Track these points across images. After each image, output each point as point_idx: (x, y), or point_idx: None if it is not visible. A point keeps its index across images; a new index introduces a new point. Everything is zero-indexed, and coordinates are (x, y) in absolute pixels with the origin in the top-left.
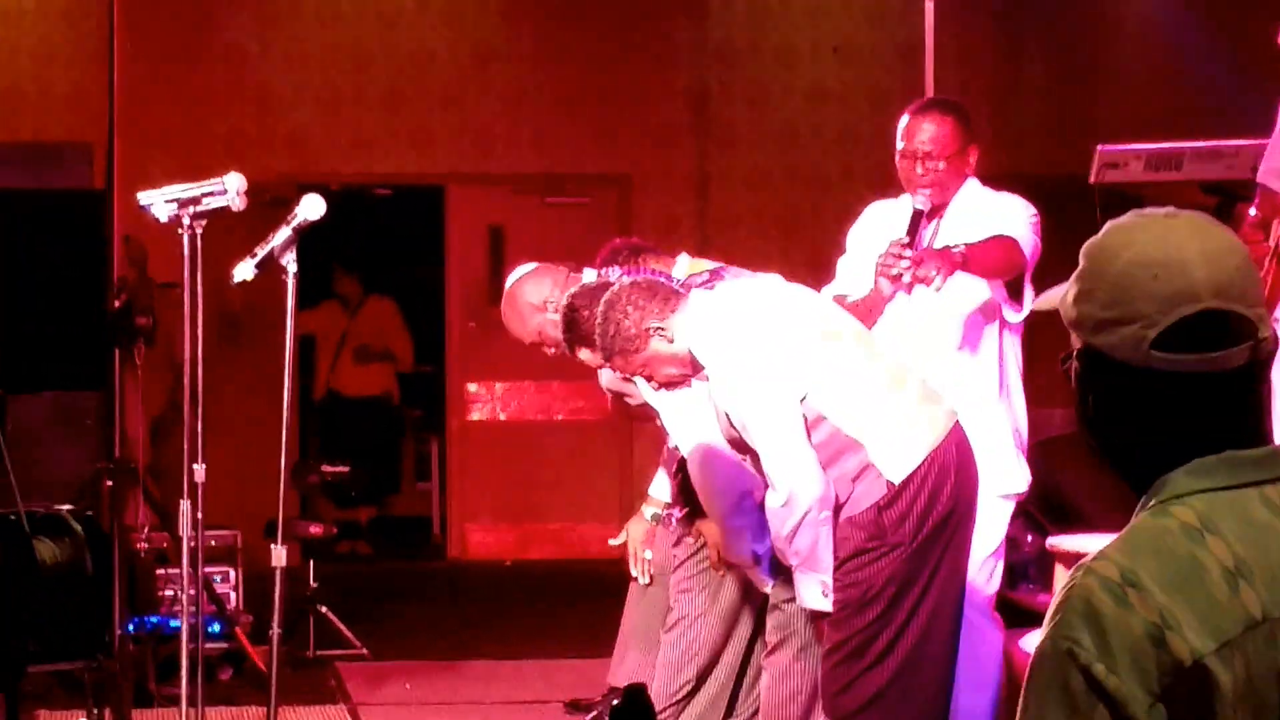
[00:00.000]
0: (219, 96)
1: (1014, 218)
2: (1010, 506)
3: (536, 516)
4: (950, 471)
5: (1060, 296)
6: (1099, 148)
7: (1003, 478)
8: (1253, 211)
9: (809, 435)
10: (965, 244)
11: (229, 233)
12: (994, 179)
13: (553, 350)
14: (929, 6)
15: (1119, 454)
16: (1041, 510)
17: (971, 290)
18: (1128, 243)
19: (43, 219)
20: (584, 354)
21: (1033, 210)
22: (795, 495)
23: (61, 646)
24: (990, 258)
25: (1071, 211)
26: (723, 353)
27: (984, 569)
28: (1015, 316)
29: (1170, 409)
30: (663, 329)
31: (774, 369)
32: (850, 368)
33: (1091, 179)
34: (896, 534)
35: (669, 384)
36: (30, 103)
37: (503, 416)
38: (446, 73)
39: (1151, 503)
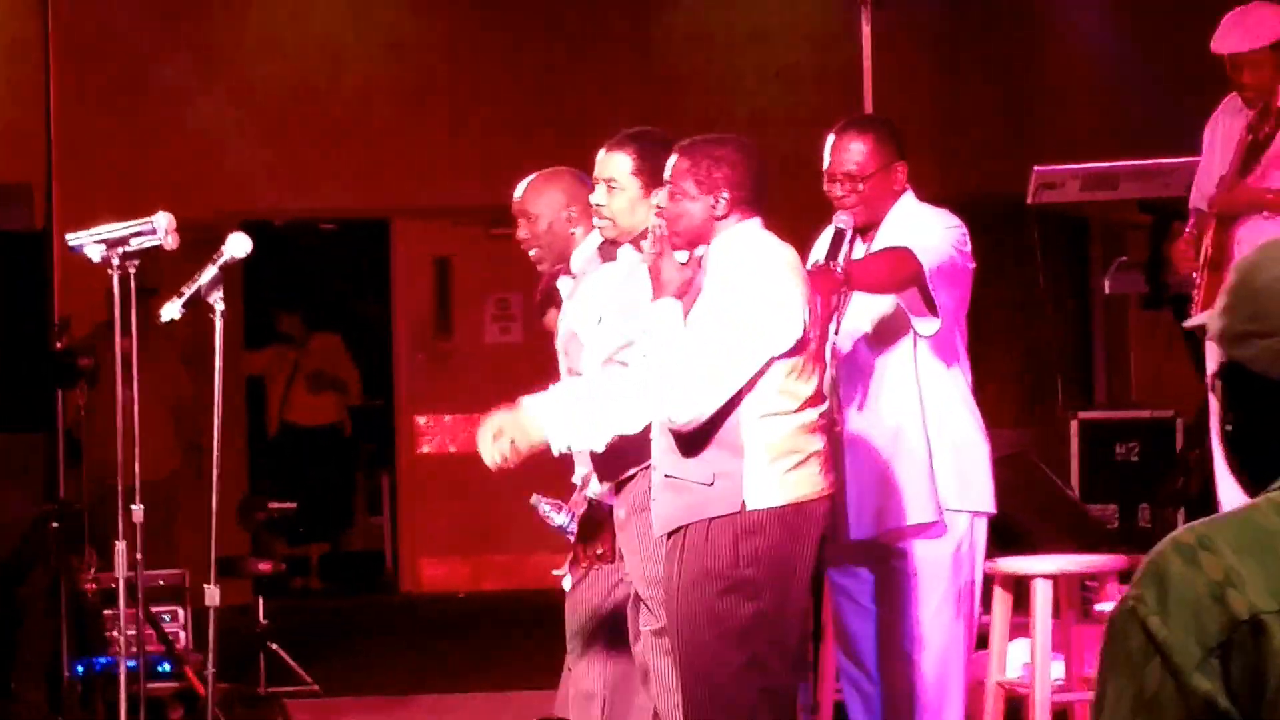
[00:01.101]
0: (160, 134)
1: (927, 230)
2: (935, 538)
3: (489, 548)
4: (795, 534)
5: (1212, 313)
6: (1035, 169)
7: (912, 505)
8: (1188, 230)
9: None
10: (844, 261)
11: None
12: (934, 200)
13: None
14: (865, 30)
15: (1255, 468)
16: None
17: (874, 307)
18: (1274, 259)
19: None
20: (618, 157)
21: (954, 222)
22: (680, 413)
23: None
24: (876, 271)
25: (1011, 232)
26: (752, 268)
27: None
28: (926, 329)
29: None
30: (724, 201)
31: (774, 317)
32: (794, 386)
33: (1029, 199)
34: (745, 571)
35: (657, 256)
36: None
37: (453, 449)
38: (388, 105)
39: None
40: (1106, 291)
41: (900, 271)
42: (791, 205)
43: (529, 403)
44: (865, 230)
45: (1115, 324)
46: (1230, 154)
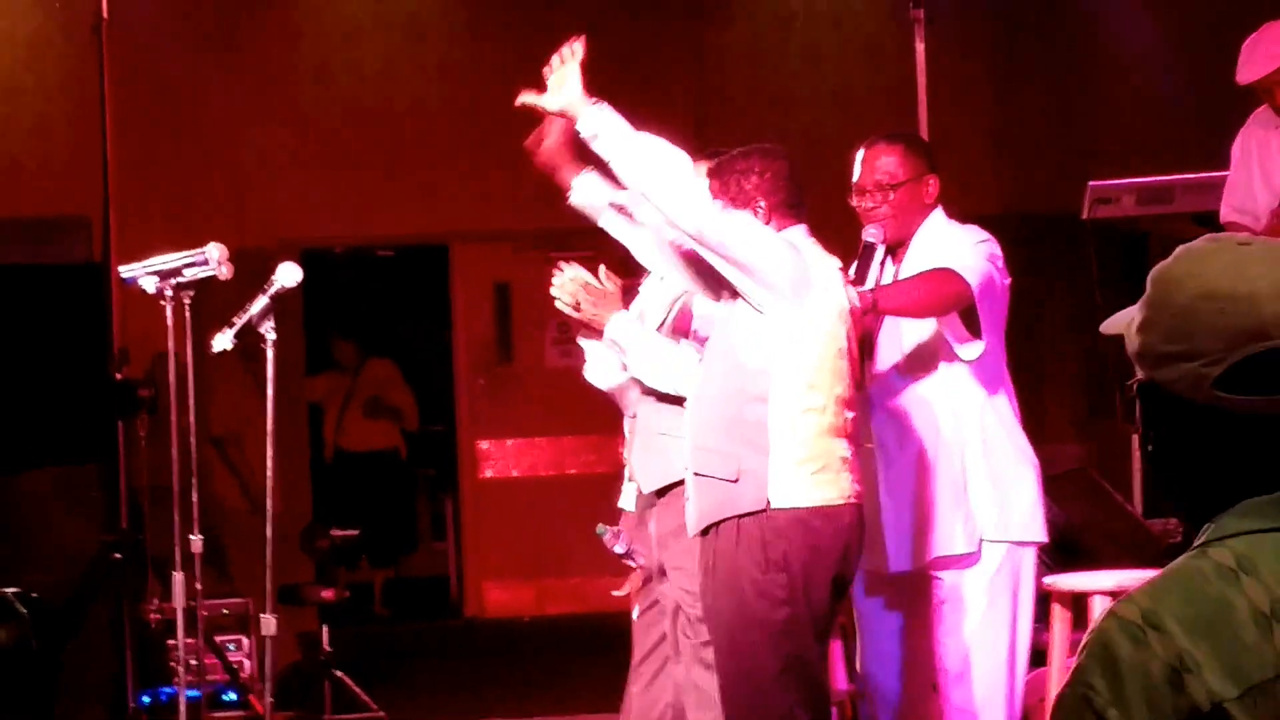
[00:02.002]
0: (216, 164)
1: (961, 248)
2: (968, 568)
3: (553, 572)
4: (816, 547)
5: (1127, 322)
6: (1090, 184)
7: (945, 535)
8: None
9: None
10: (874, 286)
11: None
12: (991, 218)
13: None
14: (919, 48)
15: (1178, 491)
16: (1048, 548)
17: (911, 332)
18: (1194, 272)
19: (42, 293)
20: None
21: (985, 237)
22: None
23: None
24: (913, 294)
25: (1068, 247)
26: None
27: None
28: (970, 353)
29: (1231, 450)
30: (762, 210)
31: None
32: (823, 383)
33: (1084, 215)
34: (774, 575)
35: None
36: (29, 177)
37: (515, 473)
38: (445, 130)
39: (1195, 545)
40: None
41: (945, 293)
42: (851, 226)
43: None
44: (895, 248)
45: None
46: (1276, 175)
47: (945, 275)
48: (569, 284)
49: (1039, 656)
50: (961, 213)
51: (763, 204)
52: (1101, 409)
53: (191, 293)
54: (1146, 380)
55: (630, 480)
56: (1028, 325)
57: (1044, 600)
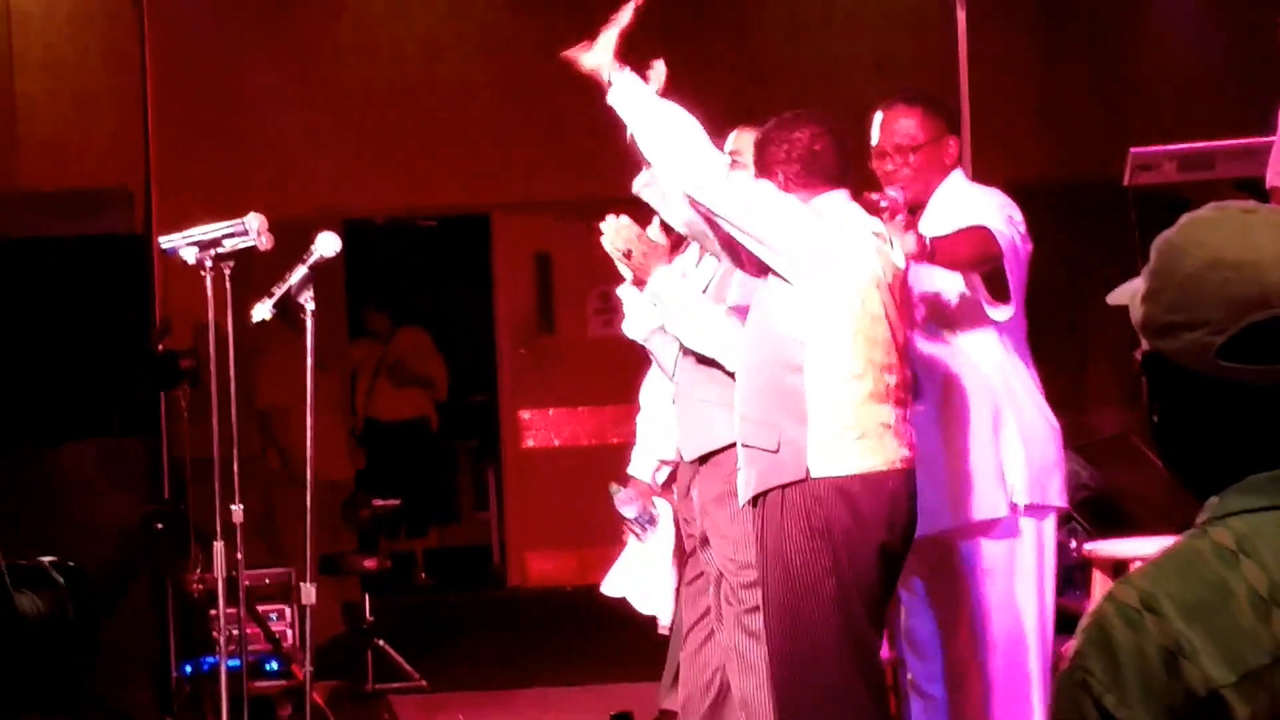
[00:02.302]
0: (257, 136)
1: (984, 210)
2: (998, 536)
3: (596, 541)
4: (869, 511)
5: (1132, 292)
6: (1131, 150)
7: (979, 500)
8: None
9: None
10: (932, 238)
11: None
12: (1033, 185)
13: None
14: (961, 16)
15: (1182, 464)
16: (1090, 514)
17: (937, 293)
18: (1199, 240)
19: (85, 265)
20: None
21: (1006, 201)
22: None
23: (42, 698)
24: (957, 249)
25: (1111, 214)
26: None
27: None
28: (1000, 315)
29: (1235, 421)
30: (781, 180)
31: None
32: (861, 350)
33: (1125, 181)
34: (818, 543)
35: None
36: (73, 150)
37: (557, 442)
38: (486, 102)
39: (1197, 524)
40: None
41: (982, 252)
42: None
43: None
44: (913, 209)
45: None
46: None
47: (981, 234)
48: (623, 229)
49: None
50: (1004, 180)
51: (780, 174)
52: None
53: (231, 263)
54: (1151, 350)
55: (642, 446)
56: (1070, 292)
57: (1085, 567)
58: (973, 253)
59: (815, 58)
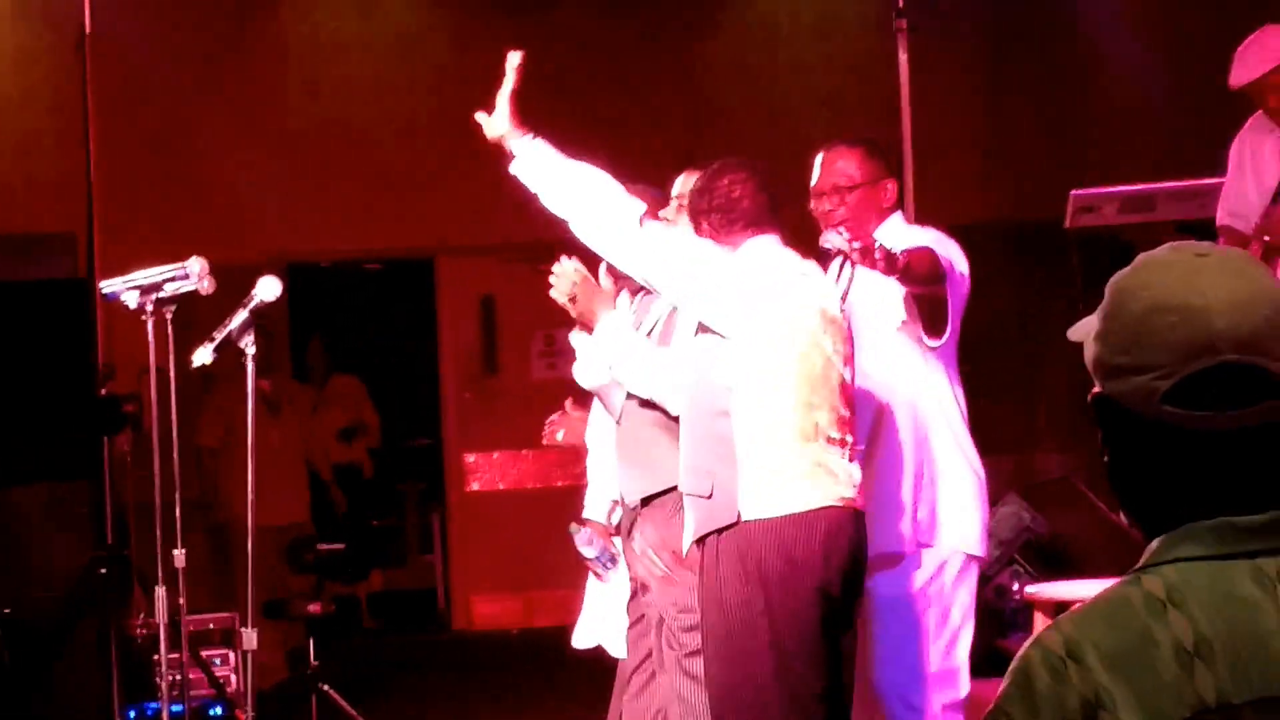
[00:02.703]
0: (202, 179)
1: (924, 241)
2: (902, 572)
3: (540, 584)
4: (801, 553)
5: (1087, 330)
6: (1072, 192)
7: (882, 532)
8: None
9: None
10: (906, 248)
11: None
12: (977, 226)
13: None
14: (902, 58)
15: (1131, 505)
16: (1032, 557)
17: (879, 319)
18: (1148, 283)
19: (28, 310)
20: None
21: (943, 238)
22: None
23: None
24: (920, 266)
25: (1054, 256)
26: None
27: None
28: (935, 343)
29: (1179, 466)
30: (706, 228)
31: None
32: (789, 391)
33: (1066, 223)
34: (751, 588)
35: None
36: (15, 194)
37: (502, 485)
38: (430, 144)
39: (1132, 570)
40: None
41: (930, 270)
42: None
43: (612, 316)
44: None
45: None
46: (1267, 176)
47: (928, 253)
48: (569, 274)
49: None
50: (947, 221)
51: (705, 224)
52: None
53: (173, 307)
54: (1100, 392)
55: (593, 490)
56: (1015, 333)
57: (1027, 609)
58: (924, 270)
59: (762, 99)
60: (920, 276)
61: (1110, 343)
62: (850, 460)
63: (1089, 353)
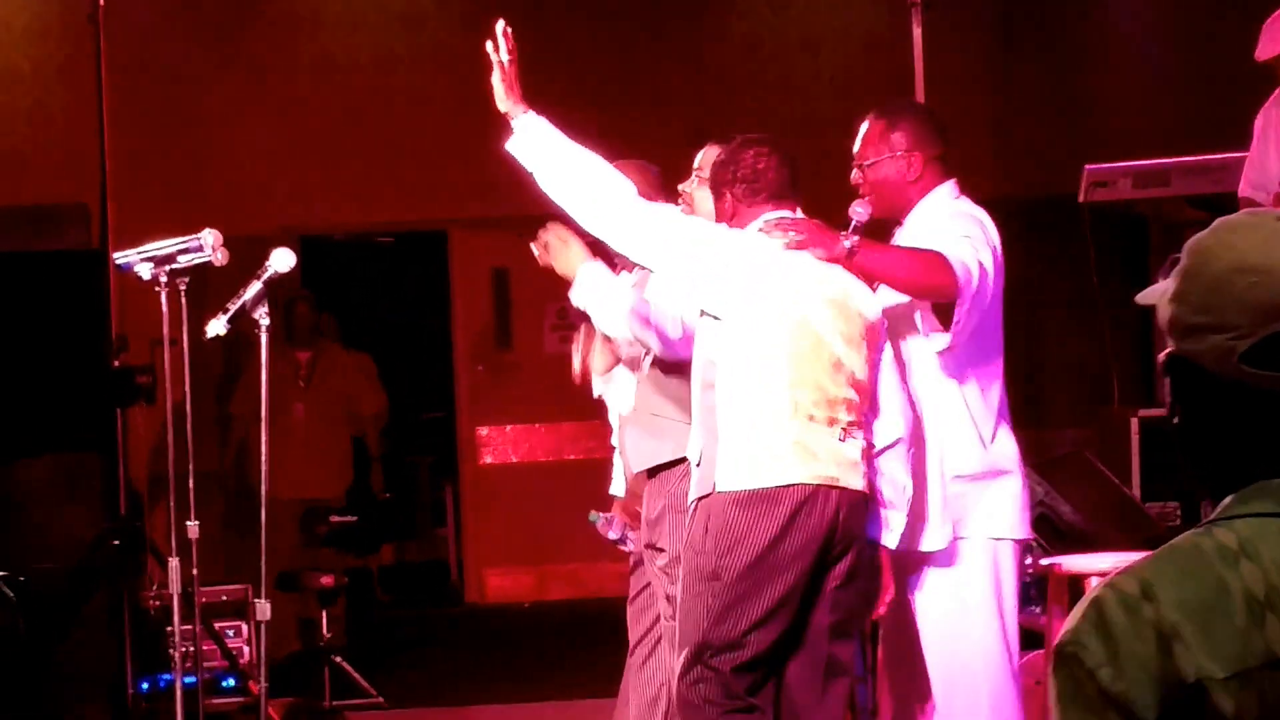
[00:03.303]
0: (214, 152)
1: (951, 238)
2: (940, 565)
3: (553, 557)
4: (787, 526)
5: (1160, 292)
6: (1086, 167)
7: (913, 530)
8: None
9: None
10: (861, 239)
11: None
12: (989, 202)
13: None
14: (916, 34)
15: (1200, 465)
16: (1046, 531)
17: (892, 314)
18: (1229, 244)
19: (41, 281)
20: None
21: (978, 231)
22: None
23: None
24: (896, 265)
25: (1067, 231)
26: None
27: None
28: (938, 344)
29: (1254, 426)
30: (730, 199)
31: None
32: (770, 369)
33: (1080, 198)
34: (708, 552)
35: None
36: (29, 166)
37: (515, 459)
38: (442, 118)
39: (1204, 522)
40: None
41: (928, 281)
42: (844, 207)
43: (592, 265)
44: (892, 224)
45: None
46: None
47: (937, 262)
48: (541, 241)
49: (1036, 639)
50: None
51: (729, 195)
52: (1100, 393)
53: (187, 279)
54: (1175, 352)
55: (620, 465)
56: (1027, 310)
57: (1041, 583)
58: (916, 277)
59: (773, 75)
60: (902, 282)
61: (1189, 302)
62: (844, 440)
63: (1163, 313)
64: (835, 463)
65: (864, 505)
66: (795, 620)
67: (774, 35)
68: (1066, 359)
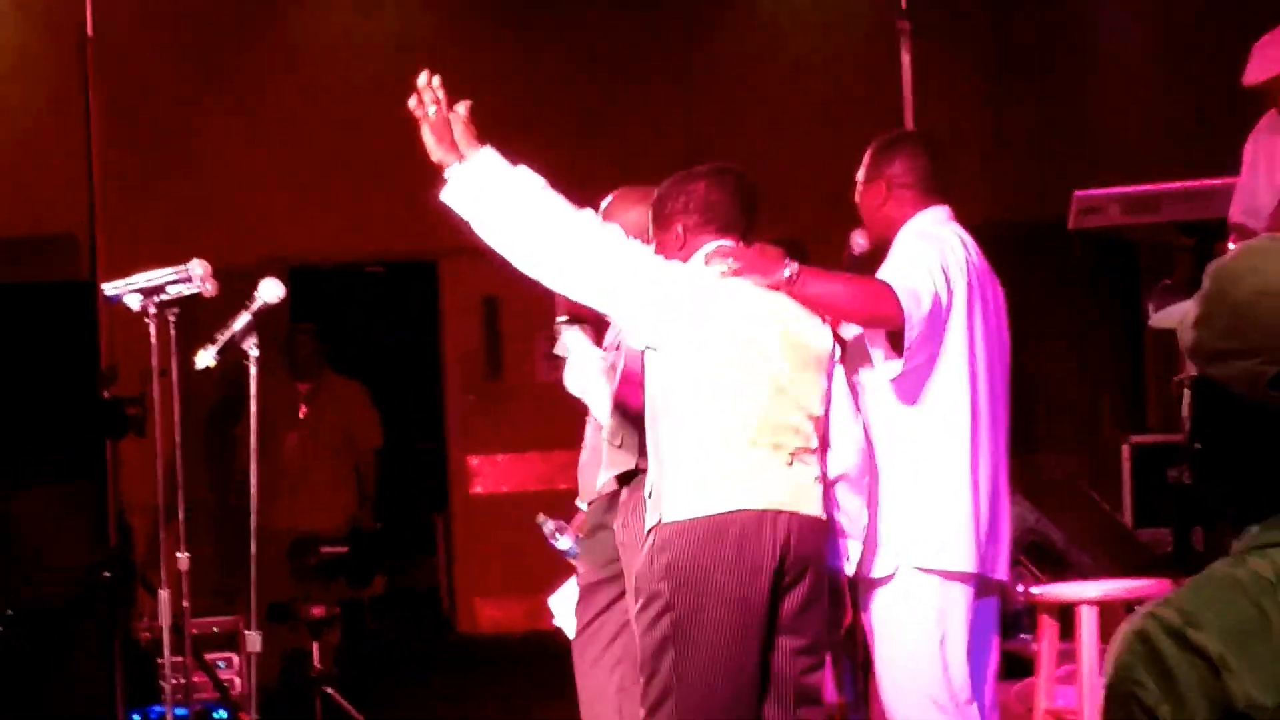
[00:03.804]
0: (204, 182)
1: (907, 265)
2: (878, 591)
3: (546, 587)
4: (734, 552)
5: (1180, 316)
6: (1076, 193)
7: (868, 555)
8: (1230, 248)
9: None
10: (802, 266)
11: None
12: (980, 227)
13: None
14: (905, 60)
15: (1224, 491)
16: (1036, 559)
17: (849, 337)
18: (1255, 268)
19: (31, 312)
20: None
21: (934, 252)
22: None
23: None
24: (837, 294)
25: (1058, 256)
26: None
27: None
28: (890, 371)
29: None
30: (680, 231)
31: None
32: (708, 398)
33: (1070, 225)
34: (658, 584)
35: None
36: (18, 196)
37: (505, 488)
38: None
39: (1234, 551)
40: (1150, 315)
41: (869, 310)
42: (834, 230)
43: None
44: (879, 252)
45: (1166, 347)
46: (1275, 176)
47: (879, 291)
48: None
49: (1026, 667)
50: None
51: (679, 225)
52: (1091, 419)
53: (176, 310)
54: (1200, 376)
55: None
56: (1016, 335)
57: (1031, 611)
58: (856, 306)
59: (763, 100)
60: (844, 311)
61: (1214, 327)
62: (791, 465)
63: (1186, 338)
64: (783, 488)
65: (819, 529)
66: (760, 648)
67: (764, 60)
68: (1058, 384)
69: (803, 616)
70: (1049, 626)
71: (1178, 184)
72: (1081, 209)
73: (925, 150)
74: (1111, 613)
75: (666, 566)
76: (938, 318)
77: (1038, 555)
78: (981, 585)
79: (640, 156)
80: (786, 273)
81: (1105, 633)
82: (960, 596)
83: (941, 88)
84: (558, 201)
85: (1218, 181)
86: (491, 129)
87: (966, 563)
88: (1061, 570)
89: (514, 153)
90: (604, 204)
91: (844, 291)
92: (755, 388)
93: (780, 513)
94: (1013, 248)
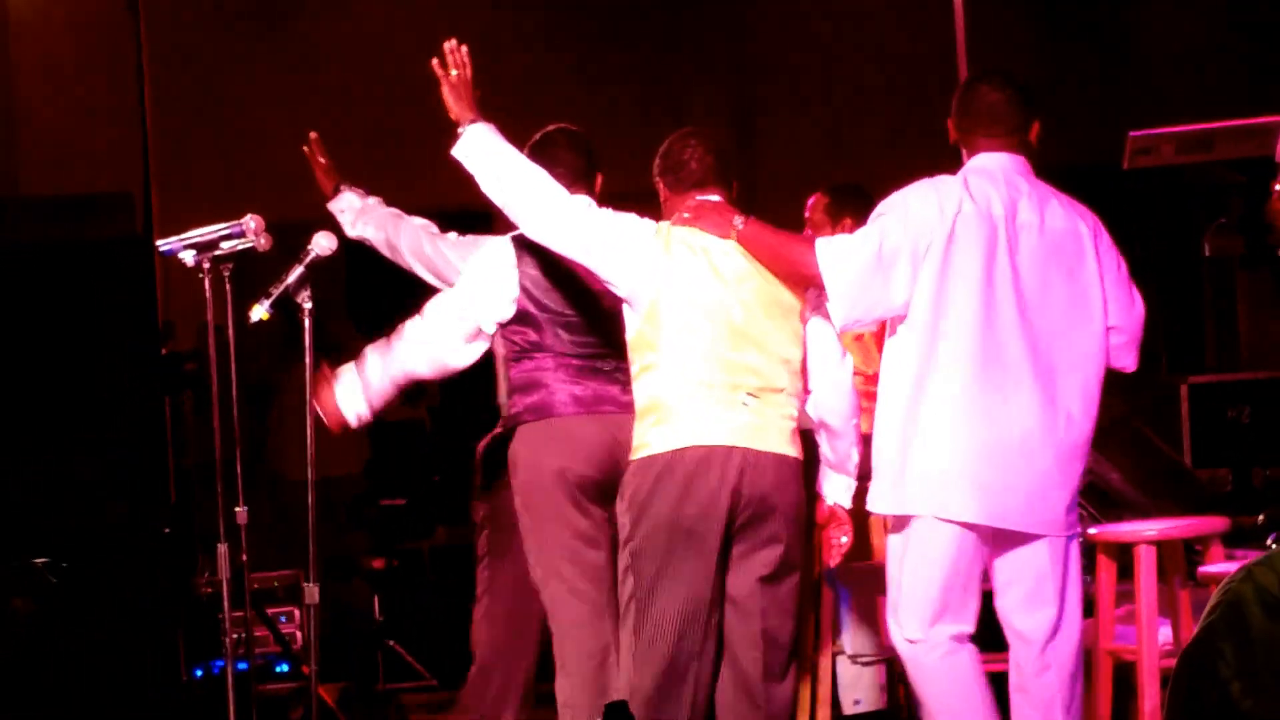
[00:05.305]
0: (258, 137)
1: (871, 220)
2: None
3: None
4: (685, 484)
5: None
6: (1130, 134)
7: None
8: (1278, 187)
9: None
10: (748, 220)
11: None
12: (1034, 169)
13: None
14: (958, 4)
15: None
16: (1093, 498)
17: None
18: None
19: (87, 270)
20: None
21: (893, 216)
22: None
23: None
24: (768, 248)
25: (1112, 198)
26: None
27: None
28: (835, 323)
29: None
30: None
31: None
32: (652, 343)
33: (1124, 164)
34: (622, 518)
35: None
36: (73, 156)
37: None
38: (486, 99)
39: None
40: (1206, 254)
41: (790, 266)
42: (895, 184)
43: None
44: None
45: (1222, 286)
46: None
47: (801, 253)
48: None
49: (1086, 607)
50: None
51: (661, 184)
52: (1150, 361)
53: (231, 265)
54: None
55: None
56: None
57: (1090, 551)
58: (778, 263)
59: (814, 49)
60: (775, 267)
61: None
62: (745, 405)
63: None
64: (737, 426)
65: (782, 466)
66: (715, 580)
67: (816, 9)
68: None
69: (766, 550)
70: (1107, 567)
71: (1231, 122)
72: (1135, 149)
73: (980, 91)
74: (1170, 552)
75: (629, 500)
76: (881, 274)
77: (1095, 496)
78: (998, 533)
79: (691, 108)
80: (738, 223)
81: (1164, 572)
82: (941, 537)
83: (994, 32)
84: (542, 174)
85: (1271, 119)
86: (543, 81)
87: (943, 509)
88: (1120, 510)
89: (569, 100)
90: None
91: (770, 248)
92: (711, 331)
93: (734, 449)
94: (1065, 189)
